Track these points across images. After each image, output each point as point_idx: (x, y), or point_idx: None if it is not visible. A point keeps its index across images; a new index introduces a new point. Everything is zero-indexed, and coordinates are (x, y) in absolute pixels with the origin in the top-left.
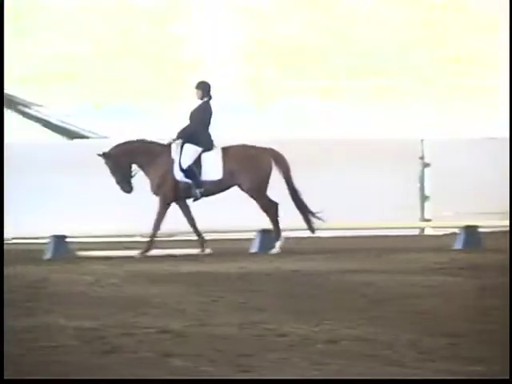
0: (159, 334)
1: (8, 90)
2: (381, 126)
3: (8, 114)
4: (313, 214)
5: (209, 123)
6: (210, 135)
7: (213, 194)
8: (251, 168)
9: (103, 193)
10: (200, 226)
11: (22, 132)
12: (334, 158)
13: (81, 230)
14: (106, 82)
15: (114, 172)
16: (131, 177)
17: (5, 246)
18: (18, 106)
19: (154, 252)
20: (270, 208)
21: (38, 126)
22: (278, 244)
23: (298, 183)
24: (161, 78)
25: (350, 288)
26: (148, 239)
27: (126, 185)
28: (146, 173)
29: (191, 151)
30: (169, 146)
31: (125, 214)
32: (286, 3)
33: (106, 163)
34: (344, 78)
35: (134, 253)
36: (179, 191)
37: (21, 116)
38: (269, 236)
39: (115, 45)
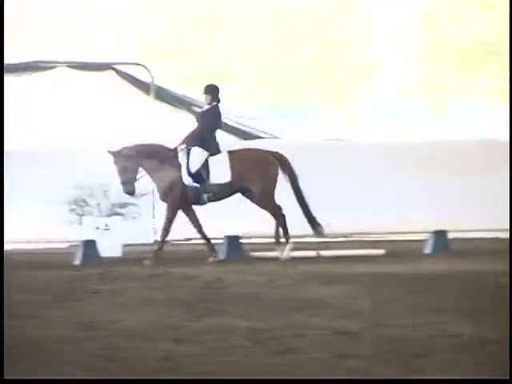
0: (333, 335)
1: (180, 90)
2: None
3: (183, 114)
4: (318, 224)
5: (217, 127)
6: (216, 139)
7: (221, 198)
8: (260, 174)
9: (277, 193)
10: (374, 227)
11: None
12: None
13: (254, 230)
14: (283, 83)
15: (121, 172)
16: (136, 180)
17: (179, 247)
18: (191, 106)
19: (327, 253)
20: (278, 213)
21: None
22: (287, 247)
23: (470, 184)
24: (335, 80)
25: None
26: (157, 247)
27: (129, 186)
28: (152, 177)
29: (199, 155)
30: (175, 150)
31: (297, 214)
32: (460, 3)
33: (116, 163)
34: None
35: (312, 253)
36: (188, 196)
37: (193, 116)
38: (442, 237)
39: (291, 47)
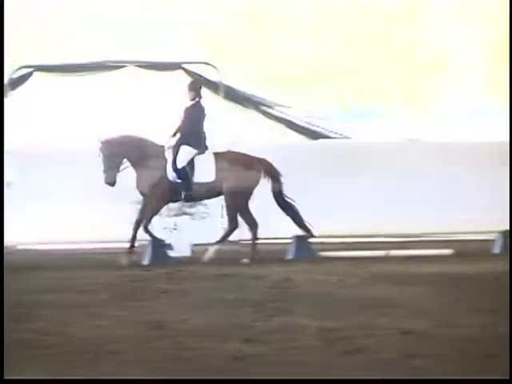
0: (401, 334)
1: (249, 89)
2: None
3: (251, 114)
4: (306, 227)
5: (202, 123)
6: (204, 137)
7: (200, 198)
8: (238, 175)
9: (345, 192)
10: (443, 226)
11: (267, 132)
12: None
13: (323, 229)
14: (353, 83)
15: (105, 160)
16: (119, 170)
17: (248, 247)
18: (261, 106)
19: (396, 252)
20: (250, 221)
21: (281, 126)
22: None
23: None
24: (404, 80)
25: None
26: (129, 241)
27: (111, 176)
28: (136, 170)
29: (186, 153)
30: (163, 146)
31: (367, 214)
32: None
33: (102, 150)
34: None
35: (382, 253)
36: (170, 193)
37: (262, 116)
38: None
39: (360, 46)
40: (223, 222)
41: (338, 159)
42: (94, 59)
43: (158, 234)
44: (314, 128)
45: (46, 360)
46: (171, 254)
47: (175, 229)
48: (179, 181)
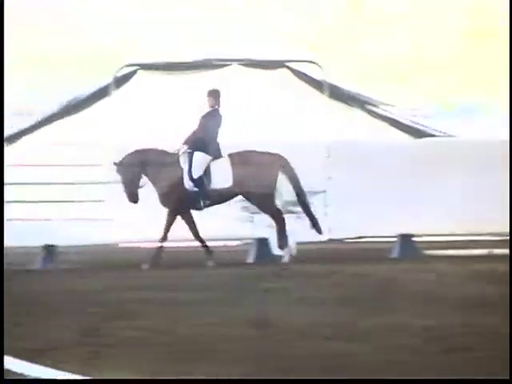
0: (503, 334)
1: (354, 88)
2: None
3: (355, 112)
4: (316, 222)
5: (217, 131)
6: (218, 143)
7: (221, 202)
8: (259, 177)
9: (449, 191)
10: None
11: (370, 130)
12: None
13: (428, 228)
14: (456, 81)
15: (124, 181)
16: (139, 187)
17: (353, 245)
18: (366, 105)
19: (499, 251)
20: (278, 216)
21: (385, 125)
22: (285, 251)
23: None
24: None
25: None
26: (156, 248)
27: (133, 195)
28: (155, 184)
29: (201, 160)
30: (177, 155)
31: (470, 213)
32: None
33: (118, 171)
34: None
35: (484, 251)
36: (188, 201)
37: (367, 114)
38: None
39: (466, 44)
40: (327, 221)
41: (442, 157)
42: (199, 58)
43: (263, 232)
44: (418, 126)
45: (155, 358)
46: (275, 252)
47: None
48: (196, 189)
